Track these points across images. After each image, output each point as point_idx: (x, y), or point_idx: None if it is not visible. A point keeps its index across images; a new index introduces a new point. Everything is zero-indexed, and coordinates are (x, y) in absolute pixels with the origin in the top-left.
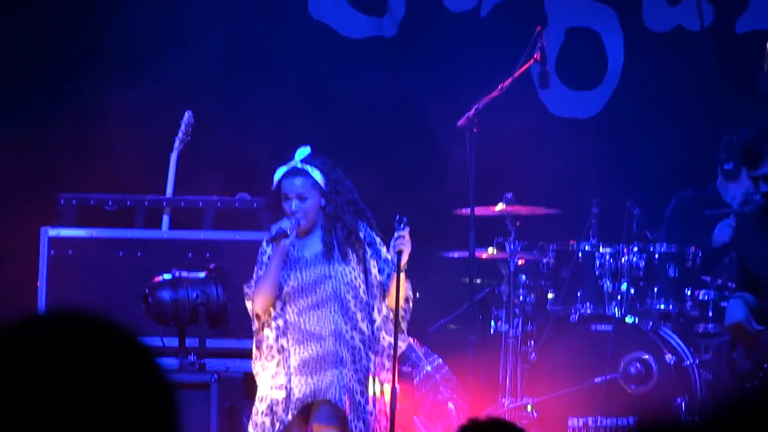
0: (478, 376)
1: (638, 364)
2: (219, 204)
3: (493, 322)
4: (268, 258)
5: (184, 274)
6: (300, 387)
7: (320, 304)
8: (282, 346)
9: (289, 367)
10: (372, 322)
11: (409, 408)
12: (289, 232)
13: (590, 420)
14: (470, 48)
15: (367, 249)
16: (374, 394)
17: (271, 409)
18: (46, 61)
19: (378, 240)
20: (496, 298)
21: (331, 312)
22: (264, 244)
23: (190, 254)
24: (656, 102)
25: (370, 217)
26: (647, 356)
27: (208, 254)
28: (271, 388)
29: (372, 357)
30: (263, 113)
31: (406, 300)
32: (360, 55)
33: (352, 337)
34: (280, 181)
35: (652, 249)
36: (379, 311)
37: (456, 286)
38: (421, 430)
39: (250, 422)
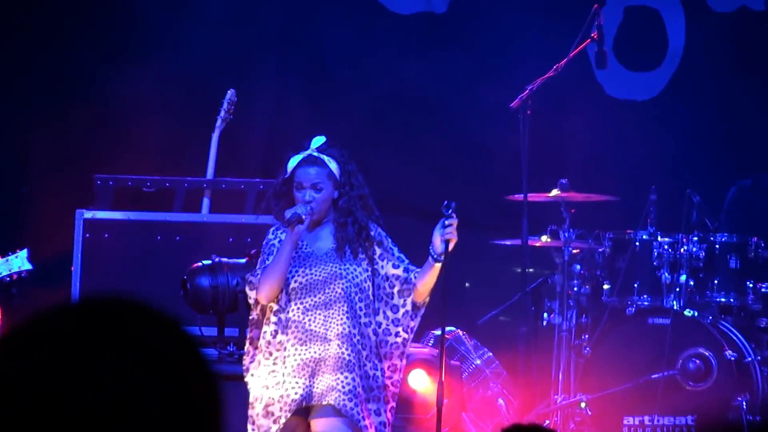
0: (530, 370)
1: (697, 360)
2: (261, 186)
3: (545, 314)
4: (278, 245)
5: (224, 259)
6: (296, 388)
7: (328, 304)
8: (280, 343)
9: (286, 366)
10: (378, 325)
11: (457, 404)
12: (304, 218)
13: (646, 418)
14: (524, 25)
15: (376, 249)
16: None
17: (267, 410)
18: (79, 41)
19: (389, 240)
20: (549, 288)
21: (339, 313)
22: (269, 233)
23: (231, 239)
24: (718, 85)
25: (378, 215)
26: (706, 352)
27: (249, 239)
28: (267, 387)
29: (377, 364)
30: (306, 91)
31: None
32: (408, 31)
33: (358, 341)
34: (294, 170)
35: (712, 239)
36: (393, 309)
37: (507, 276)
38: (469, 426)
39: (249, 426)
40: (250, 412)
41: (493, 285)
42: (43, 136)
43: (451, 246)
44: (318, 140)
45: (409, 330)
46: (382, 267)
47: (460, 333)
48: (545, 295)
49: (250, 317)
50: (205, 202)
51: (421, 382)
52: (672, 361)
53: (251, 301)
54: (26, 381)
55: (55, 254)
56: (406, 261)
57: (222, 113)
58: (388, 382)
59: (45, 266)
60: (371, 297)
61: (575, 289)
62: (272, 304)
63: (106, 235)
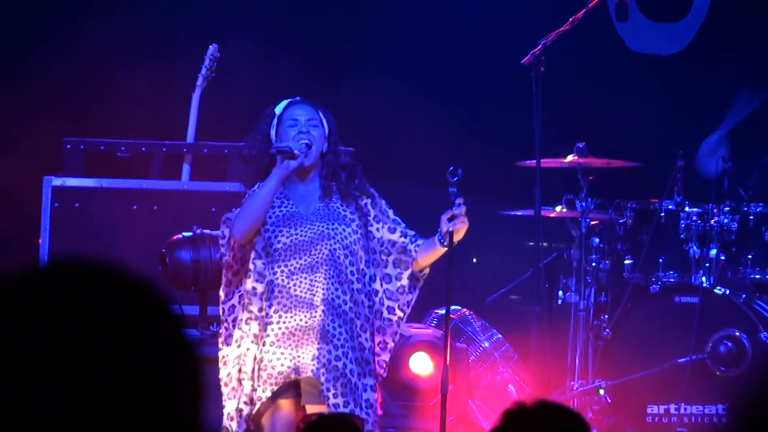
0: (543, 354)
1: (729, 343)
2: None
3: (560, 292)
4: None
5: (207, 231)
6: (281, 360)
7: (314, 267)
8: (262, 309)
9: (268, 334)
10: (374, 293)
11: (463, 390)
12: (296, 153)
13: (672, 407)
14: None
15: (370, 209)
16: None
17: (248, 376)
18: None
19: (383, 201)
20: (565, 263)
21: (325, 277)
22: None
23: (214, 208)
24: (752, 34)
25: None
26: (739, 333)
27: (234, 209)
28: (246, 353)
29: (370, 334)
30: (296, 47)
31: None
32: None
33: (350, 309)
34: (282, 111)
35: (746, 209)
36: (385, 280)
37: (518, 250)
38: (476, 415)
39: (227, 395)
40: (223, 376)
41: (502, 260)
42: (5, 96)
43: (457, 237)
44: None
45: (405, 307)
46: (378, 230)
47: (467, 313)
48: (560, 271)
49: (225, 278)
50: (186, 168)
51: (423, 367)
52: (701, 343)
53: (223, 242)
54: None
55: (21, 226)
56: (403, 224)
57: (203, 71)
58: (376, 359)
59: (9, 239)
60: (361, 262)
61: (594, 264)
62: (258, 262)
63: (77, 204)
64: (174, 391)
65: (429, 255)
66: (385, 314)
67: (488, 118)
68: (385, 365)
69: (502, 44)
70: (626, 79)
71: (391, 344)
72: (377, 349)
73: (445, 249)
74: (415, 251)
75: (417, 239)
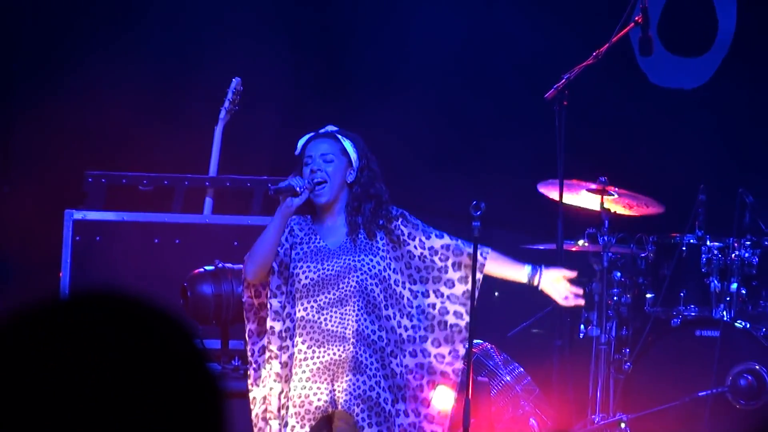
0: (565, 388)
1: (749, 377)
2: (269, 185)
3: (582, 326)
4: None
5: (229, 265)
6: (317, 395)
7: (343, 300)
8: (294, 345)
9: (303, 370)
10: (430, 307)
11: (485, 424)
12: (298, 190)
13: None
14: (561, 8)
15: (402, 228)
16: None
17: (275, 412)
18: (68, 24)
19: (411, 216)
20: (587, 297)
21: (354, 309)
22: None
23: (236, 242)
24: None
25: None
26: (759, 367)
27: None
28: (270, 393)
29: (402, 360)
30: (320, 82)
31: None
32: (427, 11)
33: (380, 338)
34: (303, 146)
35: (767, 243)
36: (447, 285)
37: None
38: None
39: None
40: (257, 414)
41: (524, 294)
42: (28, 129)
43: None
44: (331, 126)
45: (469, 314)
46: (416, 247)
47: (489, 346)
48: (582, 305)
49: (247, 319)
50: (208, 201)
51: (445, 401)
52: (721, 377)
53: (244, 283)
54: (10, 382)
55: (42, 259)
56: (435, 230)
57: (226, 104)
58: (448, 368)
59: (30, 272)
60: (401, 283)
61: (615, 298)
62: (273, 300)
63: (98, 238)
64: (197, 425)
65: (500, 274)
66: (452, 320)
67: (511, 152)
68: (459, 373)
69: (525, 78)
70: (648, 113)
71: (462, 351)
72: (449, 358)
73: (525, 283)
74: (483, 257)
75: (468, 244)
